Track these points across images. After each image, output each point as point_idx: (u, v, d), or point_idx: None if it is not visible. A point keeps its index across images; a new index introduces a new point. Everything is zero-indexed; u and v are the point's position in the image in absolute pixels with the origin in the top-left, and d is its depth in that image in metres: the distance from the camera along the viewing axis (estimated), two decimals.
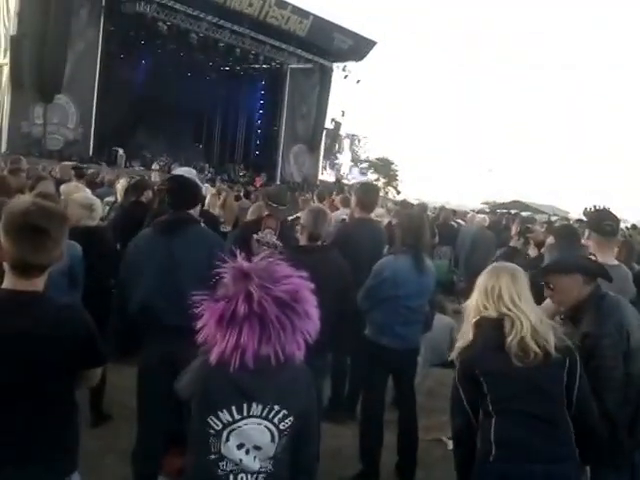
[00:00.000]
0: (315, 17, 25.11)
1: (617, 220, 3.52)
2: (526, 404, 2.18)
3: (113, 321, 3.21)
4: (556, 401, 2.21)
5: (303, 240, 3.54)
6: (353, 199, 4.92)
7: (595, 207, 3.52)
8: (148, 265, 3.00)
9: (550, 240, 3.88)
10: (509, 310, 2.24)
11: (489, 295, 2.30)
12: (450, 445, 3.76)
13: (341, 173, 33.24)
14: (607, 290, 2.62)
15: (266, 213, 4.38)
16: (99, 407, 4.11)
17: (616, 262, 3.52)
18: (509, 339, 2.18)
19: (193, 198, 3.22)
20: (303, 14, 24.80)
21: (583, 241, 3.50)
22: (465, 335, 2.34)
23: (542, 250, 4.06)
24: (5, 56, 18.47)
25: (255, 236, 3.99)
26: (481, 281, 2.38)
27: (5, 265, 1.79)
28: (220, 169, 26.94)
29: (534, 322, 2.21)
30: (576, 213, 31.90)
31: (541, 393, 2.20)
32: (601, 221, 3.41)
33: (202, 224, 3.29)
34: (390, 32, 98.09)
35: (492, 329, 2.25)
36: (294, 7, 24.38)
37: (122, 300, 3.09)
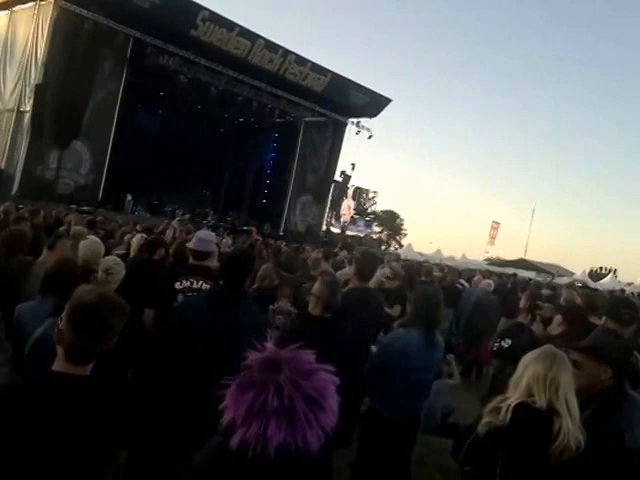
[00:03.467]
0: (334, 74, 25.83)
1: (636, 308, 3.44)
2: None
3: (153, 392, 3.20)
4: None
5: (317, 310, 3.53)
6: (352, 268, 4.91)
7: (601, 269, 3.62)
8: (198, 337, 3.03)
9: (558, 319, 3.85)
10: (562, 408, 2.19)
11: (547, 385, 2.22)
12: None
13: (342, 221, 33.49)
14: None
15: (277, 282, 4.50)
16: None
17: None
18: (557, 443, 2.14)
19: (249, 274, 3.39)
20: (322, 71, 25.53)
21: (594, 320, 3.46)
22: (500, 415, 2.24)
23: (548, 328, 4.03)
24: (28, 103, 19.22)
25: (271, 307, 4.10)
26: (538, 367, 2.28)
27: (58, 348, 1.87)
28: (223, 216, 27.28)
29: (576, 422, 2.19)
30: (581, 271, 32.32)
31: None
32: (619, 309, 3.30)
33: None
34: (406, 88, 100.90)
35: (536, 420, 2.19)
36: (314, 64, 25.17)
37: (167, 371, 3.12)
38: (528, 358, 2.34)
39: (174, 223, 11.32)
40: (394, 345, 3.66)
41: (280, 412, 1.54)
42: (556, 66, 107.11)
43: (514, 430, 2.18)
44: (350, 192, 33.55)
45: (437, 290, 4.34)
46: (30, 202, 14.05)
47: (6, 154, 19.62)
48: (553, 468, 2.15)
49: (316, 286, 3.65)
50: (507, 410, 2.21)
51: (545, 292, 10.74)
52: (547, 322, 4.47)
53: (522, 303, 6.03)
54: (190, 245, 4.52)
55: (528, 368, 2.29)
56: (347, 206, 33.87)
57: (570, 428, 2.14)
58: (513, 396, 2.26)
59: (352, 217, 34.56)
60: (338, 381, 1.66)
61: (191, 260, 4.40)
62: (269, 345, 1.65)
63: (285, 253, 5.92)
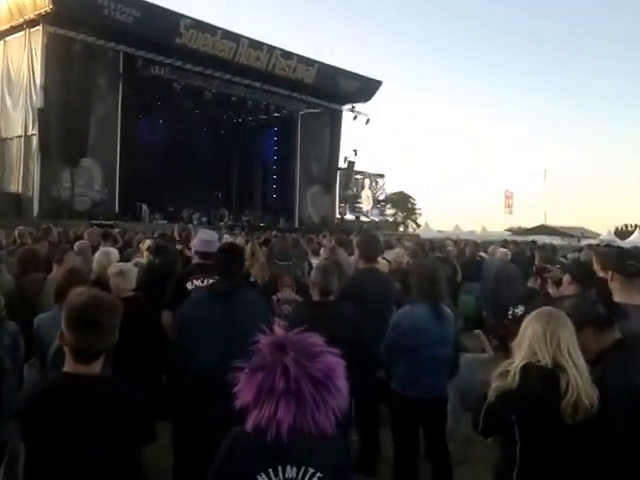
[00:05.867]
0: (320, 64, 26.42)
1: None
2: (560, 461, 2.19)
3: (170, 385, 3.40)
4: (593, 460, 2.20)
5: (315, 295, 3.59)
6: (356, 251, 5.03)
7: (626, 226, 3.42)
8: (206, 330, 3.12)
9: (567, 279, 3.81)
10: (567, 363, 2.19)
11: (548, 342, 2.22)
12: None
13: (364, 211, 33.63)
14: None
15: (270, 273, 4.63)
16: None
17: None
18: (567, 398, 2.14)
19: (240, 265, 3.48)
20: (309, 62, 26.13)
21: (602, 274, 3.37)
22: (508, 377, 2.25)
23: (560, 289, 3.97)
24: (34, 127, 19.85)
25: (274, 297, 4.19)
26: (536, 326, 2.29)
27: (66, 349, 1.99)
28: (239, 215, 27.72)
29: (585, 377, 2.18)
30: (606, 231, 31.65)
31: (579, 450, 2.20)
32: (623, 261, 3.21)
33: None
34: (395, 70, 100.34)
35: (543, 380, 2.20)
36: (299, 57, 25.76)
37: (179, 364, 3.21)
38: (526, 320, 2.36)
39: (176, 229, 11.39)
40: (403, 322, 3.67)
41: (288, 393, 1.60)
42: (551, 33, 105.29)
43: (523, 390, 2.19)
44: (367, 184, 33.68)
45: (435, 264, 4.40)
46: (52, 221, 14.48)
47: (21, 179, 20.29)
48: (573, 429, 2.14)
49: (312, 272, 3.72)
50: (515, 373, 2.22)
51: (571, 255, 10.34)
52: (559, 283, 4.31)
53: (534, 267, 5.95)
54: (194, 247, 4.68)
55: (527, 328, 2.31)
56: (366, 196, 34.11)
57: (579, 382, 2.14)
58: (517, 358, 2.27)
59: (373, 206, 34.63)
60: (344, 363, 1.69)
61: (197, 260, 4.56)
62: (278, 329, 1.71)
63: (277, 243, 5.94)
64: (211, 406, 2.97)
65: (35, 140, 19.75)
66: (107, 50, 20.61)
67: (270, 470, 1.67)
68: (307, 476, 1.69)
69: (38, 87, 19.67)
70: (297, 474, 1.69)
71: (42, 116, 19.38)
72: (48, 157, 19.68)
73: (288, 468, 1.68)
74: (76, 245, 6.31)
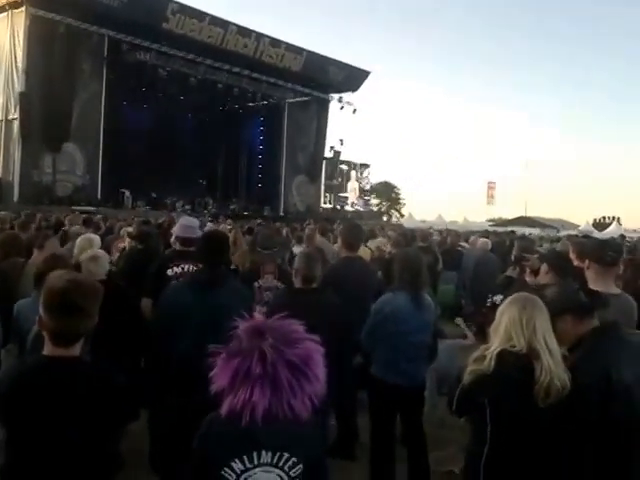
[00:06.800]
0: (308, 52, 26.28)
1: (619, 249, 3.46)
2: (529, 443, 2.25)
3: (149, 370, 3.42)
4: (563, 442, 2.25)
5: (298, 283, 3.60)
6: (339, 239, 5.14)
7: (604, 218, 3.56)
8: (189, 318, 3.13)
9: (544, 268, 3.90)
10: (541, 347, 2.23)
11: (524, 327, 2.27)
12: None
13: (349, 202, 33.78)
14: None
15: (252, 260, 4.65)
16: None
17: (618, 291, 3.38)
18: (540, 382, 2.19)
19: (224, 253, 3.47)
20: (297, 51, 25.97)
21: (578, 264, 3.48)
22: (484, 362, 2.29)
23: (537, 278, 4.06)
24: (15, 111, 19.53)
25: (256, 284, 4.22)
26: (512, 311, 2.33)
27: (44, 333, 1.96)
28: (223, 203, 27.59)
29: (557, 361, 2.23)
30: (585, 222, 31.80)
31: (549, 432, 2.25)
32: (601, 251, 3.32)
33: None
34: (382, 60, 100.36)
35: (518, 368, 2.24)
36: (288, 45, 25.58)
37: (161, 350, 3.23)
38: (503, 306, 2.40)
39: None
40: (384, 309, 3.73)
41: (264, 378, 1.60)
42: (535, 22, 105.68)
43: (498, 376, 2.24)
44: (353, 175, 33.78)
45: (417, 253, 4.44)
46: (32, 207, 14.39)
47: (1, 163, 20.01)
48: (545, 412, 2.20)
49: (295, 259, 3.75)
50: (491, 358, 2.26)
51: (547, 246, 10.50)
52: (537, 272, 4.40)
53: (513, 256, 6.07)
54: (175, 233, 4.67)
55: (504, 314, 2.35)
56: (353, 188, 34.19)
57: (551, 366, 2.19)
58: (494, 343, 2.31)
59: (358, 197, 34.77)
60: (323, 350, 1.69)
61: (178, 247, 4.53)
62: (257, 315, 1.73)
63: (260, 232, 5.97)
64: (191, 392, 2.94)
65: (16, 124, 19.47)
66: (92, 34, 20.30)
67: (245, 457, 1.67)
68: (282, 461, 1.70)
69: (20, 70, 19.35)
70: (272, 459, 1.69)
71: (24, 100, 19.10)
72: (29, 141, 19.41)
73: (263, 453, 1.68)
74: (71, 230, 6.31)
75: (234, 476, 1.67)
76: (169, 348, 3.18)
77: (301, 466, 1.71)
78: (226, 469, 1.67)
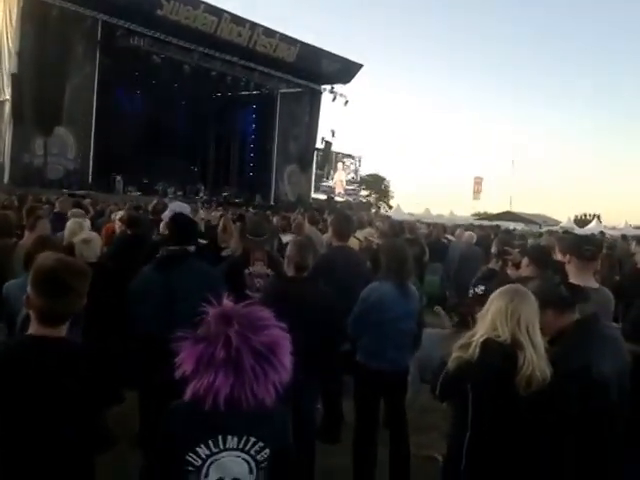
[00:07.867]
0: (302, 44, 26.26)
1: (598, 244, 3.62)
2: (508, 429, 2.31)
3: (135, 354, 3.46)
4: (543, 432, 2.31)
5: (290, 271, 3.60)
6: (329, 229, 5.24)
7: (585, 215, 3.70)
8: (148, 298, 3.32)
9: (525, 261, 4.02)
10: (524, 339, 2.27)
11: (508, 318, 2.31)
12: None
13: (336, 192, 33.88)
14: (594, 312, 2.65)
15: (242, 248, 4.75)
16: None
17: (596, 285, 3.50)
18: (522, 372, 2.23)
19: (191, 235, 3.54)
20: (291, 41, 25.92)
21: (560, 258, 3.61)
22: (469, 349, 2.34)
23: (519, 271, 4.19)
24: (7, 93, 19.42)
25: (246, 271, 4.31)
26: (500, 302, 2.38)
27: (31, 313, 1.95)
28: (215, 191, 27.64)
29: (540, 354, 2.27)
30: (566, 219, 32.76)
31: (529, 422, 2.30)
32: (581, 246, 3.45)
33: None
34: (374, 53, 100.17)
35: (502, 356, 2.29)
36: (282, 35, 25.49)
37: (127, 329, 3.38)
38: (493, 295, 2.46)
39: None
40: (370, 297, 3.81)
41: (227, 363, 1.61)
42: (528, 19, 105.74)
43: (482, 364, 2.29)
44: (340, 166, 33.86)
45: (403, 244, 4.56)
46: (23, 189, 14.39)
47: None
48: (524, 401, 2.25)
49: (288, 247, 3.78)
50: (476, 345, 2.31)
51: (518, 242, 10.90)
52: (518, 266, 4.53)
53: (493, 249, 6.13)
54: (165, 218, 4.81)
55: (492, 304, 2.40)
56: (339, 180, 34.22)
57: (534, 358, 2.23)
58: (479, 331, 2.36)
59: (345, 189, 34.88)
60: (290, 337, 1.71)
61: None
62: (226, 301, 1.72)
63: (250, 219, 6.06)
64: (157, 372, 2.94)
65: (8, 106, 19.34)
66: (86, 18, 20.15)
67: (210, 441, 1.68)
68: (248, 445, 1.70)
69: (13, 52, 19.19)
70: (238, 444, 1.70)
71: (16, 82, 18.96)
72: (21, 124, 19.31)
73: (229, 438, 1.69)
74: (70, 213, 6.37)
75: (199, 461, 1.68)
76: (134, 327, 3.35)
77: (268, 451, 1.72)
78: (191, 454, 1.68)
